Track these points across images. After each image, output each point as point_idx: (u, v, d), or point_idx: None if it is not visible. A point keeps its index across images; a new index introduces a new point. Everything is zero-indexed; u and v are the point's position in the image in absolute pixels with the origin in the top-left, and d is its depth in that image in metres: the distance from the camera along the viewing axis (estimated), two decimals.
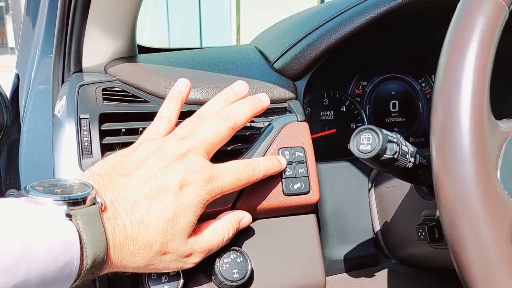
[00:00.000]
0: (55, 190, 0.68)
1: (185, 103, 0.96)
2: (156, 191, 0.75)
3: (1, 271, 0.55)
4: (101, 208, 0.69)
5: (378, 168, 0.84)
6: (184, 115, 0.94)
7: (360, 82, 1.35)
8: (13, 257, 0.56)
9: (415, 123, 1.40)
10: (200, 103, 0.99)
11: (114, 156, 0.81)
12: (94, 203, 0.69)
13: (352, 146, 0.80)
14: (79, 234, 0.64)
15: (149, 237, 0.74)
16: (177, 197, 0.76)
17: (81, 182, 0.73)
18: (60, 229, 0.62)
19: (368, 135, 0.78)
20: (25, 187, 0.67)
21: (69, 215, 0.64)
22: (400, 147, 0.79)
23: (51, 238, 0.60)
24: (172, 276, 0.84)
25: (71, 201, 0.66)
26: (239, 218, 0.88)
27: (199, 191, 0.78)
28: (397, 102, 1.38)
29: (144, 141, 0.83)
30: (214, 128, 0.84)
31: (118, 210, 0.72)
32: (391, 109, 1.38)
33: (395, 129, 1.38)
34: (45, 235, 0.60)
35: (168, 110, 0.89)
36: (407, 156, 0.80)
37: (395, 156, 0.78)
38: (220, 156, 0.88)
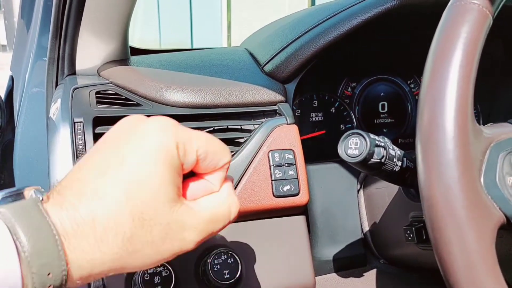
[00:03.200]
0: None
1: (178, 107, 0.97)
2: (106, 167, 0.61)
3: None
4: (41, 200, 0.56)
5: (366, 172, 0.85)
6: (178, 118, 0.95)
7: (350, 84, 1.36)
8: None
9: (404, 124, 1.41)
10: (193, 106, 1.00)
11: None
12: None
13: (340, 150, 0.81)
14: (8, 228, 0.52)
15: (110, 211, 0.58)
16: (134, 147, 0.62)
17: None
18: None
19: (356, 139, 0.80)
20: None
21: None
22: (387, 151, 0.80)
23: None
24: (164, 277, 0.85)
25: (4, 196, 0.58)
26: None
27: (160, 135, 0.62)
28: (386, 103, 1.40)
29: None
30: None
31: (65, 195, 0.58)
32: (380, 110, 1.39)
33: (384, 130, 1.39)
34: None
35: None
36: (394, 160, 0.82)
37: (382, 160, 0.80)
38: None
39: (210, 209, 0.67)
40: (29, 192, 0.60)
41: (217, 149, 0.68)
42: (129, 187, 0.59)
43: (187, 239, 0.64)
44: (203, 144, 0.66)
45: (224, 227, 0.69)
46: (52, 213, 0.55)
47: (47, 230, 0.54)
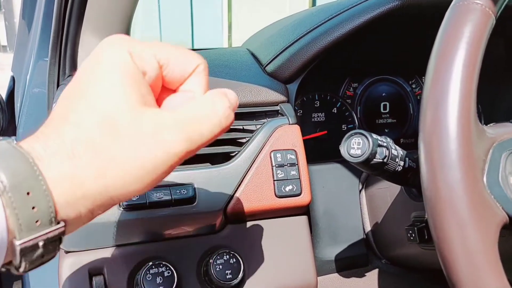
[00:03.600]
0: None
1: None
2: (72, 88, 0.58)
3: None
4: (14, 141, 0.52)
5: (368, 171, 0.85)
6: None
7: (351, 84, 1.36)
8: None
9: (406, 124, 1.41)
10: None
11: None
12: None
13: (342, 150, 0.81)
14: None
15: (77, 126, 0.55)
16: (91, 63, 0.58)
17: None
18: None
19: (359, 139, 0.80)
20: None
21: None
22: (390, 151, 0.80)
23: None
24: (167, 277, 0.85)
25: None
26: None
27: (111, 48, 0.59)
28: (387, 104, 1.40)
29: None
30: None
31: (37, 131, 0.55)
32: (382, 110, 1.39)
33: (386, 130, 1.39)
34: None
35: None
36: (397, 160, 0.82)
37: (385, 160, 0.80)
38: (213, 157, 0.89)
39: (188, 108, 0.60)
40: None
41: (180, 53, 0.63)
42: (91, 101, 0.55)
43: (168, 139, 0.57)
44: (161, 50, 0.61)
45: (215, 128, 0.61)
46: (24, 145, 0.52)
47: (20, 158, 0.50)
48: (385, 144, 0.80)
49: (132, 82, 0.57)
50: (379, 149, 0.79)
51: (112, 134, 0.55)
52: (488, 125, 0.78)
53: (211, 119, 0.60)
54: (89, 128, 0.54)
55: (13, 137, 0.57)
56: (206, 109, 0.61)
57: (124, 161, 0.56)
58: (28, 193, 0.50)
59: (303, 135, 1.03)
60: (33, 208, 0.50)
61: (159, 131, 0.57)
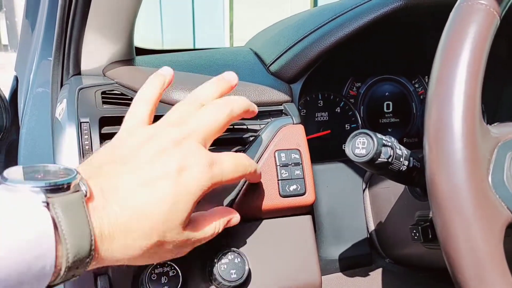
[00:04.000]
0: (36, 176, 0.62)
1: None
2: (153, 179, 0.69)
3: None
4: (85, 196, 0.62)
5: (373, 171, 0.86)
6: None
7: (355, 84, 1.36)
8: None
9: (409, 124, 1.42)
10: None
11: (103, 149, 0.75)
12: (78, 191, 0.62)
13: (347, 150, 0.82)
14: (55, 223, 0.57)
15: (146, 228, 0.68)
16: (176, 183, 0.70)
17: (65, 167, 0.65)
18: (32, 220, 0.56)
19: (363, 139, 0.80)
20: (3, 173, 0.61)
21: (46, 203, 0.57)
22: (394, 150, 0.81)
23: (20, 231, 0.54)
24: (171, 277, 0.85)
25: (50, 187, 0.59)
26: (230, 217, 0.85)
27: (199, 175, 0.72)
28: (391, 103, 1.40)
29: (131, 129, 0.78)
30: (214, 115, 0.79)
31: (108, 200, 0.65)
32: (385, 110, 1.39)
33: (389, 130, 1.40)
34: (13, 228, 0.54)
35: (149, 94, 0.84)
36: (401, 159, 0.82)
37: (389, 160, 0.80)
38: None
39: (205, 227, 0.80)
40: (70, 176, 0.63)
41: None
42: (166, 215, 0.69)
43: (183, 251, 0.79)
44: (228, 171, 0.78)
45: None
46: (93, 216, 0.62)
47: (88, 233, 0.60)
48: (389, 143, 0.81)
49: (194, 207, 0.74)
50: (383, 149, 0.79)
51: (155, 245, 0.70)
52: (492, 124, 0.78)
53: (212, 237, 0.82)
54: (150, 229, 0.69)
55: (83, 192, 0.63)
56: (212, 231, 0.81)
57: (152, 260, 0.75)
58: (76, 260, 0.60)
59: (306, 134, 1.03)
60: (77, 268, 0.61)
61: (183, 246, 0.77)
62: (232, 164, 0.79)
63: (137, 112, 0.81)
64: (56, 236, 0.57)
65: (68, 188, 0.61)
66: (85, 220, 0.60)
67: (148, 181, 0.69)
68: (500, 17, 0.68)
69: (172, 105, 0.98)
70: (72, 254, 0.58)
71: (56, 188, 0.59)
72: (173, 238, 0.72)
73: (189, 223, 0.75)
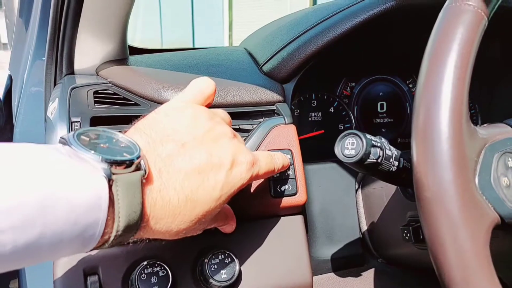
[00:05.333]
0: (101, 145, 0.64)
1: None
2: (210, 166, 0.72)
3: (13, 228, 0.51)
4: (144, 176, 0.64)
5: (363, 172, 0.86)
6: None
7: (348, 84, 1.37)
8: (28, 213, 0.52)
9: (403, 124, 1.42)
10: None
11: (159, 116, 0.76)
12: (138, 169, 0.64)
13: (336, 150, 0.82)
14: (112, 199, 0.60)
15: (193, 214, 0.71)
16: (227, 176, 0.74)
17: (129, 139, 0.67)
18: (93, 191, 0.58)
19: (352, 140, 0.80)
20: (71, 135, 0.62)
21: (110, 180, 0.60)
22: (384, 151, 0.81)
23: (78, 198, 0.56)
24: (161, 277, 0.85)
25: (114, 162, 0.61)
26: (229, 222, 0.90)
27: (246, 173, 0.77)
28: (384, 103, 1.40)
29: (195, 108, 0.78)
30: None
31: (166, 183, 0.68)
32: (379, 110, 1.40)
33: (383, 130, 1.40)
34: (72, 195, 0.56)
35: (211, 89, 0.85)
36: (391, 160, 0.82)
37: (379, 160, 0.80)
38: None
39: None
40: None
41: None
42: (212, 205, 0.73)
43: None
44: (263, 170, 0.83)
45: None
46: (148, 197, 0.65)
47: (139, 214, 0.63)
48: (379, 144, 0.81)
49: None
50: (373, 149, 0.79)
51: (191, 227, 0.74)
52: (481, 126, 0.78)
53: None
54: (193, 211, 0.72)
55: (143, 171, 0.65)
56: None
57: (184, 235, 0.75)
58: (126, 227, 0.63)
59: (300, 134, 1.03)
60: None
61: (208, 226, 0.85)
62: (266, 164, 0.84)
63: (199, 93, 0.83)
64: (109, 211, 0.60)
65: (130, 164, 0.63)
66: (140, 201, 0.63)
67: (204, 168, 0.72)
68: (488, 18, 0.68)
69: (162, 103, 0.99)
70: (121, 230, 0.61)
71: (119, 163, 0.62)
72: (206, 223, 0.78)
73: None
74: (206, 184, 0.71)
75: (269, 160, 0.85)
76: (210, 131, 0.76)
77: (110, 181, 0.60)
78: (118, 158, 0.62)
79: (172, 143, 0.71)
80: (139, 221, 0.63)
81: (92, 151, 0.60)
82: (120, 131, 0.69)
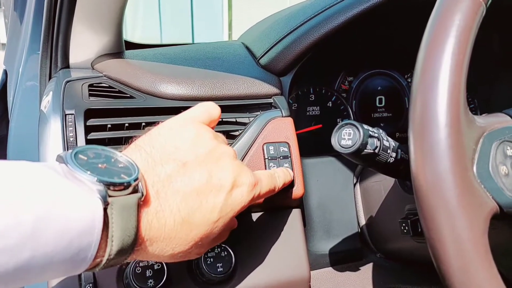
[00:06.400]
0: (99, 165, 0.62)
1: (172, 99, 0.97)
2: (210, 187, 0.71)
3: (3, 250, 0.49)
4: (140, 198, 0.63)
5: (360, 163, 0.85)
6: (172, 110, 0.95)
7: (347, 78, 1.36)
8: (19, 235, 0.50)
9: (401, 118, 1.41)
10: (187, 99, 1.00)
11: (161, 131, 0.74)
12: (136, 191, 0.62)
13: (333, 141, 0.81)
14: (106, 222, 0.58)
15: (188, 237, 0.69)
16: (227, 198, 0.72)
17: (128, 159, 0.66)
18: (87, 213, 0.56)
19: (349, 130, 0.79)
20: (69, 154, 0.61)
21: (105, 202, 0.58)
22: (381, 142, 0.80)
23: (71, 221, 0.55)
24: (156, 271, 0.84)
25: (111, 184, 0.59)
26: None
27: (246, 195, 0.75)
28: (383, 97, 1.40)
29: (197, 126, 0.77)
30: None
31: (163, 205, 0.67)
32: (377, 104, 1.39)
33: (381, 124, 1.39)
34: (66, 217, 0.54)
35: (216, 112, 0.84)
36: (388, 151, 0.81)
37: (376, 151, 0.79)
38: None
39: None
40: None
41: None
42: (209, 228, 0.71)
43: (201, 253, 0.81)
44: (264, 191, 0.81)
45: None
46: (144, 219, 0.64)
47: (133, 238, 0.61)
48: (376, 135, 0.80)
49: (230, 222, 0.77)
50: (370, 140, 0.79)
51: (198, 245, 0.72)
52: (480, 115, 0.77)
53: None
54: (187, 238, 0.70)
55: (140, 193, 0.64)
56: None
57: (179, 259, 0.74)
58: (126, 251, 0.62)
59: (298, 129, 1.03)
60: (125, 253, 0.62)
61: (203, 251, 0.81)
62: (267, 184, 0.82)
63: (205, 113, 0.82)
64: (102, 234, 0.58)
65: (128, 186, 0.61)
66: (135, 225, 0.61)
67: (203, 189, 0.70)
68: (486, 5, 0.68)
69: (162, 98, 0.98)
70: (114, 254, 0.60)
71: (117, 185, 0.60)
72: (204, 247, 0.75)
73: None
74: (204, 206, 0.70)
75: (270, 180, 0.84)
76: (212, 151, 0.74)
77: (105, 203, 0.58)
78: (115, 180, 0.60)
79: (172, 163, 0.70)
80: (133, 245, 0.62)
81: (89, 172, 0.59)
82: (120, 150, 0.68)
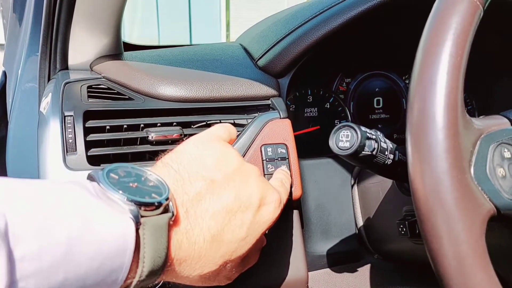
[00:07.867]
0: (130, 184, 0.62)
1: (170, 101, 0.97)
2: (238, 205, 0.71)
3: (36, 273, 0.48)
4: (171, 218, 0.63)
5: (358, 165, 0.85)
6: (170, 112, 0.95)
7: (344, 79, 1.36)
8: (53, 258, 0.49)
9: (399, 120, 1.41)
10: (185, 100, 1.00)
11: (187, 148, 0.75)
12: (166, 210, 0.63)
13: (331, 143, 0.81)
14: (138, 242, 0.58)
15: (217, 255, 0.69)
16: (255, 216, 0.73)
17: (158, 177, 0.66)
18: (119, 235, 0.56)
19: (347, 132, 0.79)
20: (101, 173, 0.61)
21: (137, 223, 0.58)
22: (379, 144, 0.80)
23: (104, 242, 0.55)
24: None
25: (143, 204, 0.60)
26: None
27: (273, 212, 0.76)
28: (381, 99, 1.40)
29: (225, 148, 0.77)
30: None
31: (192, 223, 0.66)
32: (375, 105, 1.39)
33: (379, 126, 1.39)
34: (97, 237, 0.54)
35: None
36: (386, 153, 0.81)
37: (374, 153, 0.79)
38: None
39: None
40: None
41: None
42: (238, 245, 0.71)
43: (233, 278, 0.80)
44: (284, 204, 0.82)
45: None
46: (174, 239, 0.64)
47: (164, 259, 0.61)
48: (374, 136, 0.80)
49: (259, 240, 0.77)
50: (367, 142, 0.79)
51: (225, 267, 0.73)
52: (477, 117, 0.77)
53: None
54: (215, 259, 0.70)
55: (171, 213, 0.64)
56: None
57: (209, 283, 0.75)
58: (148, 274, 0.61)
59: (295, 130, 1.03)
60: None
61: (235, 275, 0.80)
62: (285, 196, 0.84)
63: (226, 132, 0.83)
64: (134, 255, 0.58)
65: (159, 206, 0.61)
66: (166, 245, 0.61)
67: (231, 207, 0.70)
68: (483, 8, 0.68)
69: (160, 99, 0.99)
70: (144, 275, 0.59)
71: (149, 205, 0.61)
72: (233, 269, 0.75)
73: None
74: (233, 223, 0.70)
75: (284, 190, 0.86)
76: (239, 169, 0.75)
77: (137, 223, 0.58)
78: (147, 200, 0.60)
79: (201, 181, 0.70)
80: (163, 266, 0.62)
81: (121, 191, 0.59)
82: (147, 169, 0.68)
